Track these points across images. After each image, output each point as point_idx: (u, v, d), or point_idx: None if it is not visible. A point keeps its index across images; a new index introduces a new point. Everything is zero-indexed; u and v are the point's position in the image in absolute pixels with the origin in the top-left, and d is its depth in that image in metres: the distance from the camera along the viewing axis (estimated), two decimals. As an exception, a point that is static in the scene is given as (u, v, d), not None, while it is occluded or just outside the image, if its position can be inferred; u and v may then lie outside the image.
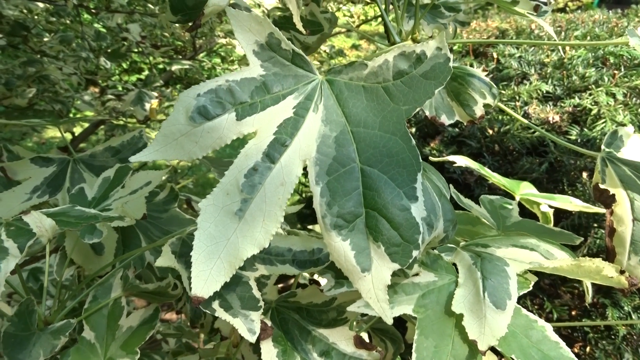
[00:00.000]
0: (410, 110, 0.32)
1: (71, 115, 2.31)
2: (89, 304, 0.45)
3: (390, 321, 0.30)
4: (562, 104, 1.61)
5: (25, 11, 2.25)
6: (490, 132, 1.64)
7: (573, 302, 1.50)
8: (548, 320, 1.49)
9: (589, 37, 2.01)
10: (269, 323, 0.39)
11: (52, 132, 4.31)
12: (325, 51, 3.41)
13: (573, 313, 1.50)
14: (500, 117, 1.67)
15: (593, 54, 1.81)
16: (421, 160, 0.31)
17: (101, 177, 0.48)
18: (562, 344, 0.38)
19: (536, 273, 0.44)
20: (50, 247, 0.52)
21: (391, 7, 0.58)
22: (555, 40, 0.61)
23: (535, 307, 1.52)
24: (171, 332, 0.66)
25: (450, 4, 0.66)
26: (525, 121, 0.54)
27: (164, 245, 0.38)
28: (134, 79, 4.02)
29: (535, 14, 0.59)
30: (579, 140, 1.50)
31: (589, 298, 0.53)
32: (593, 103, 1.55)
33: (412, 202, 0.30)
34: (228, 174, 0.32)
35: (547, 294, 1.53)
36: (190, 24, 0.35)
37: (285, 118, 0.33)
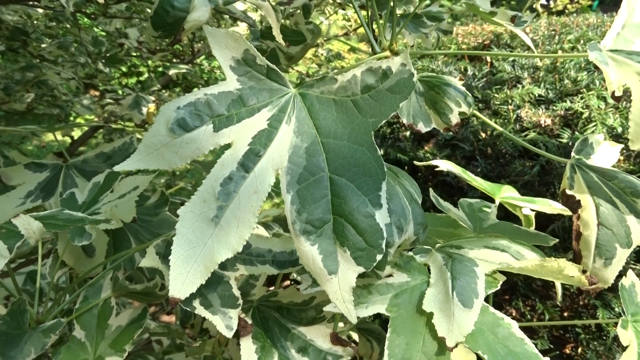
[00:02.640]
0: (377, 123, 0.34)
1: (71, 118, 2.33)
2: (80, 304, 0.47)
3: (354, 320, 0.32)
4: (554, 108, 1.63)
5: (24, 16, 2.28)
6: (483, 135, 1.66)
7: (565, 303, 1.52)
8: (540, 321, 1.51)
9: (582, 41, 2.03)
10: (250, 321, 0.41)
11: (52, 136, 4.34)
12: (323, 55, 3.44)
13: (565, 314, 1.51)
14: (493, 120, 1.69)
15: (585, 58, 1.82)
16: (386, 170, 0.33)
17: (91, 182, 0.50)
18: (527, 340, 0.40)
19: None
20: (44, 250, 0.54)
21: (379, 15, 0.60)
22: (533, 48, 0.63)
23: (528, 308, 1.54)
24: (161, 332, 0.68)
25: (432, 13, 0.68)
26: (500, 128, 0.56)
27: (149, 247, 0.40)
28: (133, 81, 4.05)
29: (512, 24, 0.61)
30: (570, 144, 1.52)
31: (559, 297, 0.55)
32: (584, 107, 1.57)
33: (377, 209, 0.32)
34: (205, 182, 0.34)
35: (539, 295, 1.55)
36: (171, 38, 0.37)
37: (260, 129, 0.35)
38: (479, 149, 1.66)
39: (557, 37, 2.16)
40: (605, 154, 0.52)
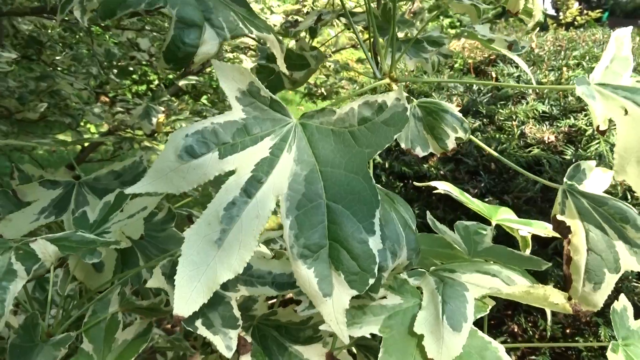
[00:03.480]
0: (372, 153, 0.36)
1: (82, 126, 2.37)
2: (89, 318, 0.49)
3: (346, 341, 0.34)
4: (558, 124, 1.64)
5: (39, 26, 2.33)
6: (488, 150, 1.68)
7: (567, 320, 1.52)
8: (541, 338, 1.51)
9: (587, 57, 2.04)
10: (249, 339, 0.43)
11: (62, 137, 4.40)
12: (330, 66, 3.47)
13: (567, 331, 1.52)
14: (497, 135, 1.71)
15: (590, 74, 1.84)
16: (381, 197, 0.35)
17: (102, 202, 0.53)
18: (516, 363, 0.42)
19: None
20: (55, 262, 0.56)
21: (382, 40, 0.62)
22: (530, 74, 0.65)
23: (529, 324, 1.54)
24: (165, 346, 0.70)
25: (433, 38, 0.71)
26: (496, 153, 0.57)
27: (156, 267, 0.42)
28: (144, 88, 4.10)
29: (509, 51, 0.63)
30: (573, 160, 1.53)
31: (549, 323, 0.56)
32: (588, 124, 1.58)
33: (370, 235, 0.34)
34: (210, 207, 0.36)
35: (541, 311, 1.55)
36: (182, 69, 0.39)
37: (262, 157, 0.37)
38: (482, 164, 1.67)
39: (562, 52, 2.18)
40: (597, 180, 0.54)
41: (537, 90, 1.82)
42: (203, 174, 0.36)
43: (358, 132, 0.37)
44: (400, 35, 0.85)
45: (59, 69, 2.12)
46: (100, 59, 1.78)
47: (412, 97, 0.56)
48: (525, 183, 1.57)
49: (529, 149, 1.62)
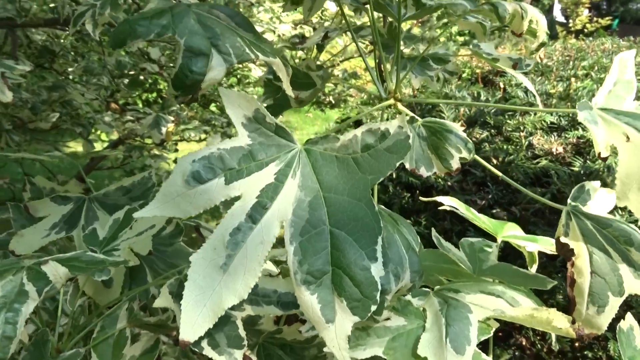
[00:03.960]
0: (375, 180, 0.37)
1: (92, 132, 2.40)
2: (97, 334, 0.50)
3: (348, 367, 0.34)
4: (567, 135, 1.64)
5: (52, 36, 2.37)
6: (495, 161, 1.68)
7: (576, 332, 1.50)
8: (549, 351, 1.50)
9: (596, 67, 2.04)
10: (254, 358, 0.44)
11: (72, 147, 4.45)
12: (338, 75, 3.48)
13: (576, 345, 1.50)
14: (505, 146, 1.71)
15: (599, 85, 1.83)
16: (384, 221, 0.36)
17: (112, 219, 0.54)
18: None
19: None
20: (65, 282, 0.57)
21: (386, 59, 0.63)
22: (535, 94, 0.65)
23: (538, 337, 1.53)
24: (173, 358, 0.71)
25: (439, 55, 0.71)
26: (499, 173, 0.58)
27: (163, 286, 0.43)
28: (154, 95, 4.15)
29: (514, 70, 0.64)
30: (582, 172, 1.52)
31: (553, 339, 0.56)
32: (596, 135, 1.57)
33: (373, 262, 0.35)
34: (216, 232, 0.37)
35: (550, 323, 1.53)
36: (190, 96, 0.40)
37: (267, 183, 0.38)
38: (490, 175, 1.67)
39: (571, 62, 2.17)
40: (601, 201, 0.54)
41: (546, 101, 1.82)
42: (209, 199, 0.37)
43: (361, 158, 0.38)
44: (407, 50, 0.86)
45: (70, 77, 2.15)
46: (111, 69, 1.81)
47: (416, 117, 0.56)
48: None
49: (537, 160, 1.62)
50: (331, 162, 0.38)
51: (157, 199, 0.38)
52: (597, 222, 0.49)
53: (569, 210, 0.50)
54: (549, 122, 1.69)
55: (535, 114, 1.72)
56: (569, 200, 0.53)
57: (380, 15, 0.74)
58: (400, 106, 0.56)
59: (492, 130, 1.78)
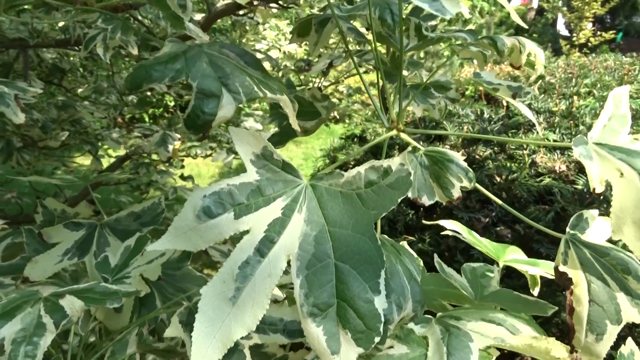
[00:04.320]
0: (378, 215, 0.38)
1: (100, 148, 2.43)
2: (108, 359, 0.52)
3: (353, 397, 0.36)
4: (570, 153, 1.65)
5: (61, 54, 2.41)
6: (498, 179, 1.69)
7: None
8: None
9: (598, 85, 2.05)
10: (261, 385, 0.45)
11: (80, 160, 4.49)
12: (343, 91, 3.52)
13: (581, 363, 1.50)
14: (508, 164, 1.72)
15: (601, 103, 1.85)
16: (387, 253, 0.37)
17: (123, 246, 0.55)
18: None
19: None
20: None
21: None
22: (534, 121, 0.67)
23: None
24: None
25: (440, 83, 0.73)
26: (498, 200, 0.59)
27: (173, 316, 0.44)
28: (161, 110, 4.20)
29: (514, 99, 0.65)
30: (585, 190, 1.53)
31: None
32: (599, 154, 1.58)
33: (376, 295, 0.36)
34: (226, 265, 0.38)
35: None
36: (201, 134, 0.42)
37: (275, 218, 0.39)
38: (494, 193, 1.68)
39: (573, 80, 2.19)
40: (600, 229, 0.55)
41: (549, 119, 1.84)
42: (219, 233, 0.39)
43: (365, 194, 0.39)
44: (410, 75, 0.88)
45: (79, 91, 2.19)
46: (120, 89, 1.85)
47: (419, 146, 0.58)
48: (537, 212, 1.57)
49: (540, 178, 1.63)
50: (336, 197, 0.40)
51: (169, 233, 0.39)
52: (595, 251, 0.50)
53: (567, 239, 0.52)
54: (551, 140, 1.70)
55: (537, 132, 1.74)
56: (567, 229, 0.54)
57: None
58: (404, 136, 0.58)
59: (496, 148, 1.79)
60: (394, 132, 0.55)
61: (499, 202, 0.57)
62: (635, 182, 0.40)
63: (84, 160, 4.20)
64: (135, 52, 1.33)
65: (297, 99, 0.64)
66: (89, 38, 1.26)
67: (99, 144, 2.18)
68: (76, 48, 1.88)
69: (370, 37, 0.62)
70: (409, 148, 0.55)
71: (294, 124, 0.48)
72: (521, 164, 1.70)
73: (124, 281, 0.51)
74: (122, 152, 2.59)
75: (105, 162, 3.08)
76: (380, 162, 0.39)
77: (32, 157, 1.54)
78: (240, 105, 0.54)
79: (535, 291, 0.78)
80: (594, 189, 0.41)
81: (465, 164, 0.56)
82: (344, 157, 2.34)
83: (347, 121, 3.79)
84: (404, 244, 0.81)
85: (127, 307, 0.59)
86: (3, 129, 1.52)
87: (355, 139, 2.54)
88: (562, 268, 0.49)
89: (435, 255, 0.64)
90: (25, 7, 1.55)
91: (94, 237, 0.61)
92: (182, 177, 2.80)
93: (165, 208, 0.65)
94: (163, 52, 0.41)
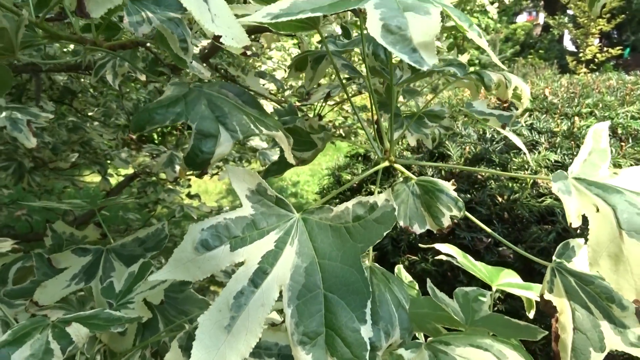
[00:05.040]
0: (365, 247, 0.41)
1: (108, 163, 2.48)
2: (112, 382, 0.54)
3: None
4: (571, 174, 1.66)
5: (72, 76, 2.48)
6: (500, 199, 1.70)
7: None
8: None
9: (600, 105, 2.07)
10: (257, 409, 0.47)
11: (90, 178, 4.55)
12: (348, 110, 3.55)
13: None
14: (510, 184, 1.73)
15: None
16: (371, 290, 0.40)
17: (127, 272, 0.58)
18: None
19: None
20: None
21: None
22: (525, 151, 0.69)
23: (546, 376, 1.52)
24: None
25: (434, 112, 0.76)
26: (489, 230, 0.61)
27: (173, 341, 0.47)
28: (168, 127, 4.26)
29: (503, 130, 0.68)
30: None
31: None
32: (600, 174, 1.60)
33: (362, 324, 0.39)
34: (222, 295, 0.41)
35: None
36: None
37: (268, 250, 0.42)
38: (495, 213, 1.69)
39: (575, 99, 2.21)
40: (585, 258, 0.57)
41: (550, 139, 1.85)
42: (216, 265, 0.41)
43: (353, 228, 0.42)
44: (404, 101, 0.91)
45: (88, 117, 2.25)
46: (129, 110, 1.90)
47: (412, 175, 0.60)
48: (539, 233, 1.58)
49: (542, 198, 1.64)
50: (326, 230, 0.42)
51: (169, 264, 0.42)
52: (580, 279, 0.52)
53: (553, 267, 0.54)
54: (553, 161, 1.72)
55: (539, 153, 1.76)
56: (554, 257, 0.56)
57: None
58: (397, 166, 0.61)
59: (498, 168, 1.81)
60: (385, 164, 0.58)
61: (488, 230, 0.59)
62: (610, 217, 0.42)
63: (93, 178, 4.25)
64: (143, 78, 1.37)
65: (296, 130, 0.67)
66: (99, 65, 1.31)
67: (108, 163, 2.23)
68: (87, 72, 1.93)
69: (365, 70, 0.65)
70: (401, 178, 0.58)
71: (289, 158, 0.50)
72: (523, 184, 1.71)
73: (128, 306, 0.54)
74: (130, 171, 2.64)
75: (114, 180, 3.13)
76: (366, 198, 0.42)
77: (42, 178, 1.58)
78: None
79: (531, 314, 0.80)
80: (570, 224, 0.43)
81: (455, 194, 0.59)
82: (348, 176, 2.37)
83: (352, 139, 3.83)
84: (400, 267, 0.83)
85: (131, 330, 0.61)
86: (15, 151, 1.56)
87: (360, 158, 2.58)
88: (547, 296, 0.51)
89: (428, 280, 0.66)
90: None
91: (100, 263, 0.64)
92: (188, 195, 2.84)
93: (168, 234, 0.68)
94: (165, 96, 0.44)
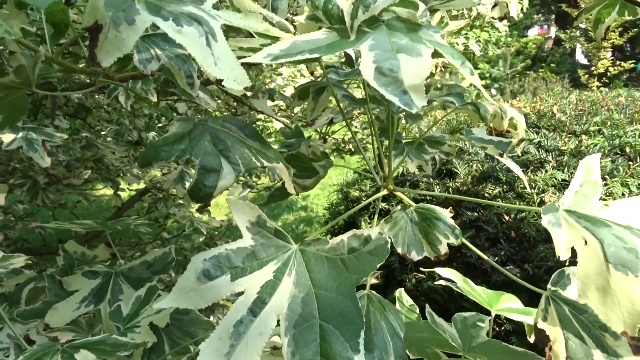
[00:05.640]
0: (359, 279, 0.43)
1: (121, 183, 2.53)
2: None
3: None
4: (578, 193, 1.66)
5: (87, 93, 2.54)
6: (507, 218, 1.70)
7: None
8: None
9: (609, 123, 2.07)
10: None
11: (102, 192, 4.62)
12: (356, 126, 3.58)
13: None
14: (517, 203, 1.74)
15: (610, 142, 1.87)
16: (364, 320, 0.41)
17: (134, 295, 0.60)
18: None
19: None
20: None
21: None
22: (523, 178, 0.70)
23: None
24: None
25: (435, 138, 0.78)
26: (484, 256, 0.62)
27: (176, 365, 0.49)
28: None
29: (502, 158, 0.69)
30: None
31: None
32: (607, 194, 1.60)
33: (356, 354, 0.40)
34: (222, 323, 0.43)
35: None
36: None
37: (267, 280, 0.44)
38: (502, 231, 1.70)
39: (584, 117, 2.21)
40: (581, 285, 0.58)
41: (557, 157, 1.86)
42: (217, 294, 0.43)
43: (347, 260, 0.43)
44: (409, 126, 0.93)
45: (103, 133, 2.31)
46: (140, 128, 1.94)
47: (411, 203, 0.62)
48: (546, 252, 1.58)
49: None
50: (322, 261, 0.44)
51: (173, 292, 0.44)
52: (574, 308, 0.53)
53: (548, 296, 0.55)
54: (560, 179, 1.72)
55: (546, 171, 1.76)
56: (549, 285, 0.57)
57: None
58: (398, 194, 0.63)
59: (505, 187, 1.81)
60: (384, 192, 0.60)
61: (485, 257, 0.60)
62: (598, 250, 0.43)
63: (105, 191, 4.31)
64: (154, 99, 1.41)
65: (298, 156, 0.69)
66: (112, 87, 1.35)
67: (120, 181, 2.27)
68: (101, 91, 1.99)
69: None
70: (398, 207, 0.60)
71: (290, 188, 0.52)
72: (530, 203, 1.71)
73: (135, 330, 0.56)
74: (141, 185, 2.68)
75: (125, 194, 3.18)
76: (361, 231, 0.44)
77: (56, 196, 1.63)
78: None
79: (532, 338, 0.80)
80: (559, 256, 0.44)
81: (452, 222, 0.60)
82: (356, 192, 2.39)
83: (361, 149, 3.85)
84: (401, 291, 0.84)
85: (137, 353, 0.63)
86: (30, 168, 1.61)
87: (368, 174, 2.59)
88: (540, 325, 0.52)
89: (427, 306, 0.67)
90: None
91: (109, 286, 0.66)
92: (198, 209, 2.87)
93: (174, 257, 0.70)
94: (170, 132, 0.46)
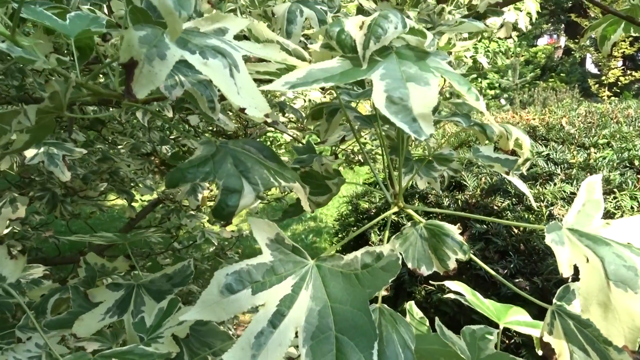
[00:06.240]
0: (372, 293, 0.45)
1: (135, 194, 2.58)
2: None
3: None
4: (587, 205, 1.67)
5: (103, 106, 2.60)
6: (516, 231, 1.72)
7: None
8: None
9: (617, 136, 2.08)
10: None
11: (113, 202, 4.67)
12: (366, 137, 3.62)
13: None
14: (526, 215, 1.75)
15: (619, 155, 1.88)
16: (377, 332, 0.44)
17: (157, 307, 0.63)
18: None
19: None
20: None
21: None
22: (529, 196, 0.72)
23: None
24: None
25: (444, 156, 0.80)
26: (481, 263, 0.65)
27: (198, 374, 0.52)
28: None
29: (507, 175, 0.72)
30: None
31: None
32: (616, 207, 1.61)
33: (369, 365, 0.43)
34: (244, 334, 0.45)
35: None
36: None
37: (285, 294, 0.47)
38: (511, 244, 1.71)
39: (593, 129, 2.22)
40: (585, 300, 0.60)
41: (566, 170, 1.87)
42: (239, 307, 0.46)
43: (361, 275, 0.46)
44: (418, 143, 0.96)
45: (116, 145, 2.37)
46: (155, 141, 1.99)
47: (421, 219, 0.65)
48: (555, 265, 1.58)
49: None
50: (337, 276, 0.47)
51: (197, 305, 0.47)
52: (579, 322, 0.55)
53: (553, 310, 0.57)
54: (568, 192, 1.73)
55: (555, 184, 1.77)
56: (554, 300, 0.60)
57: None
58: (409, 210, 0.65)
59: (514, 199, 1.83)
60: (394, 210, 0.62)
61: (492, 272, 0.63)
62: (599, 268, 0.45)
63: (117, 201, 4.36)
64: (170, 114, 1.46)
65: (312, 174, 0.72)
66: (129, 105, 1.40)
67: (134, 192, 2.32)
68: (118, 105, 2.04)
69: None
70: (408, 224, 0.62)
71: (306, 207, 0.55)
72: (539, 216, 1.73)
73: (158, 340, 0.59)
74: (154, 195, 2.73)
75: (138, 206, 3.22)
76: (373, 248, 0.46)
77: (74, 208, 1.67)
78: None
79: (540, 351, 0.82)
80: (562, 273, 0.46)
81: (460, 238, 0.63)
82: (366, 204, 2.41)
83: (371, 164, 3.88)
84: (412, 303, 0.86)
85: (159, 362, 0.66)
86: (48, 181, 1.66)
87: (377, 186, 2.62)
88: (546, 338, 0.54)
89: (437, 319, 0.69)
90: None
91: (132, 297, 0.69)
92: (209, 221, 2.91)
93: (193, 271, 0.73)
94: (196, 156, 0.50)
